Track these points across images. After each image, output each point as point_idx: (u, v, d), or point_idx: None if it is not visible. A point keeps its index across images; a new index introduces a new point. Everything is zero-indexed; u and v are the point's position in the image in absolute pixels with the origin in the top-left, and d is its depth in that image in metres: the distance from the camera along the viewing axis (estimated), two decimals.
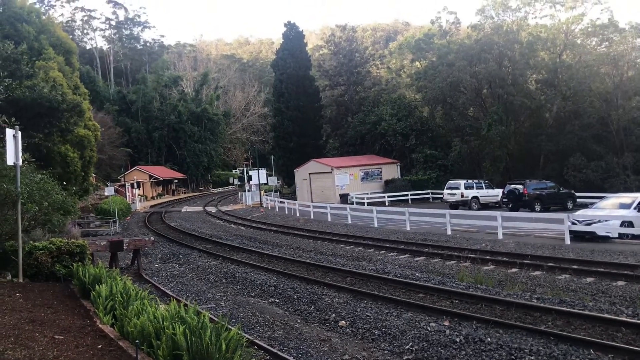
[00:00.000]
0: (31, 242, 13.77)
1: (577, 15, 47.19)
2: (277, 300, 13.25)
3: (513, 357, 8.00)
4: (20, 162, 12.57)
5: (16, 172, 12.53)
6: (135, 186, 59.45)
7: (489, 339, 8.78)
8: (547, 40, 47.71)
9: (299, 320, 11.33)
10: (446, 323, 9.89)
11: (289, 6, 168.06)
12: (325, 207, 35.40)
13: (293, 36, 61.88)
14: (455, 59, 48.93)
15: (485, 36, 49.31)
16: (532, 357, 7.86)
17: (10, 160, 12.29)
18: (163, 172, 73.79)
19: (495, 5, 50.58)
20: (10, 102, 19.72)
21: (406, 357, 8.60)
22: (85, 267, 11.66)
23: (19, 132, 12.58)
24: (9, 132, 12.35)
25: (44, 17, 35.71)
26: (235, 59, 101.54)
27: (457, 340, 8.97)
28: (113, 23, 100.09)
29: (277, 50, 65.89)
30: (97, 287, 9.80)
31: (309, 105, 60.12)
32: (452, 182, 38.40)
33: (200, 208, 51.43)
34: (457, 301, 11.48)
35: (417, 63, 59.86)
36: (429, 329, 9.72)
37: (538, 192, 31.88)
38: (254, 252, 20.91)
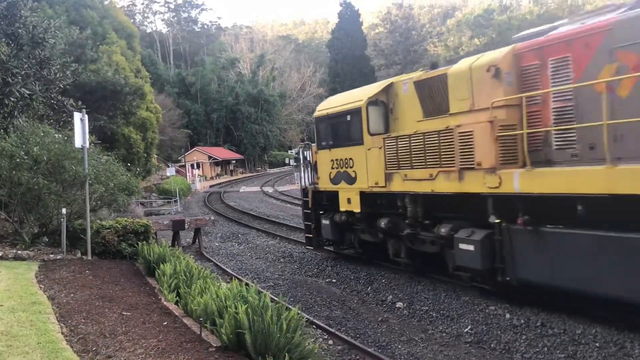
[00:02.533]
0: (98, 221, 14.34)
1: None
2: (334, 280, 13.36)
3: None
4: (87, 145, 13.05)
5: (84, 154, 13.01)
6: (195, 166, 60.80)
7: None
8: None
9: (355, 300, 11.39)
10: None
11: None
12: None
13: (348, 15, 61.39)
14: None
15: (548, 11, 47.52)
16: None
17: (78, 143, 12.77)
18: (221, 152, 75.15)
19: None
20: (76, 86, 20.45)
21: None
22: (150, 246, 12.08)
23: (86, 116, 13.05)
24: (77, 116, 12.82)
25: (106, 2, 36.69)
26: (291, 40, 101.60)
27: None
28: (172, 6, 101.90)
29: (332, 30, 65.63)
30: (161, 265, 10.14)
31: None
32: None
33: (257, 188, 52.17)
34: None
35: (476, 40, 58.40)
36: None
37: None
38: None
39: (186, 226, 18.05)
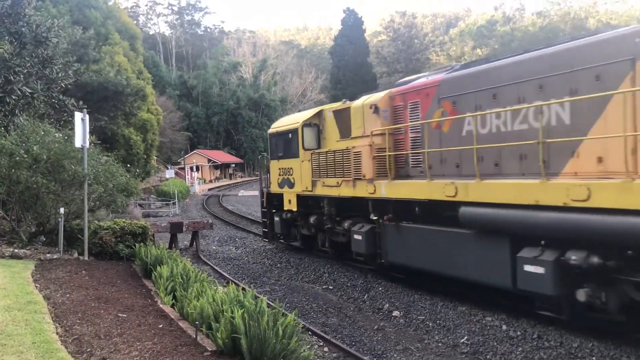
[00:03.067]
0: (96, 221, 14.31)
1: None
2: (330, 287, 13.33)
3: None
4: (87, 145, 13.05)
5: (83, 154, 13.00)
6: (195, 169, 60.77)
7: None
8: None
9: (352, 308, 11.36)
10: None
11: None
12: None
13: (352, 23, 61.56)
14: (519, 46, 47.54)
15: (551, 23, 47.76)
16: None
17: (78, 143, 12.76)
18: (221, 156, 75.13)
19: None
20: (78, 85, 20.47)
21: None
22: (147, 248, 12.05)
23: (87, 116, 13.05)
24: (78, 116, 12.82)
25: (110, 3, 36.77)
26: (293, 45, 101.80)
27: None
28: (175, 9, 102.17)
29: (335, 36, 65.78)
30: (158, 267, 10.11)
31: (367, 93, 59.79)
32: None
33: (256, 192, 52.02)
34: None
35: (479, 50, 58.56)
36: None
37: None
38: None
39: (184, 229, 18.03)
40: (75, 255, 12.93)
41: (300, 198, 16.06)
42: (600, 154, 7.92)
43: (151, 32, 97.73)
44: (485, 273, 9.42)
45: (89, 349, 6.28)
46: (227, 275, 14.61)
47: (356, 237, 13.02)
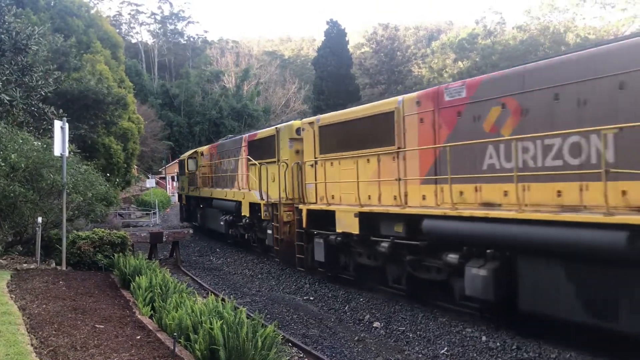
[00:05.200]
0: (75, 231, 14.15)
1: (629, 18, 45.87)
2: (311, 298, 13.28)
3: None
4: (66, 153, 12.91)
5: (62, 162, 12.86)
6: (176, 179, 60.32)
7: None
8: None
9: (333, 319, 11.33)
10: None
11: (331, 4, 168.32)
12: None
13: (335, 34, 61.81)
14: (499, 59, 48.16)
15: (531, 37, 48.42)
16: None
17: (57, 151, 12.64)
18: None
19: (542, 5, 49.58)
20: (58, 93, 20.24)
21: None
22: (126, 258, 11.93)
23: (66, 124, 12.93)
24: (57, 124, 12.70)
25: (92, 11, 36.48)
26: (277, 56, 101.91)
27: None
28: (158, 18, 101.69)
29: (318, 47, 65.99)
30: (137, 278, 10.01)
31: (349, 104, 60.00)
32: None
33: None
34: None
35: (460, 63, 59.15)
36: None
37: None
38: None
39: (164, 239, 17.88)
40: (53, 265, 12.76)
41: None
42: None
43: (133, 41, 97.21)
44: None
45: None
46: (206, 286, 14.50)
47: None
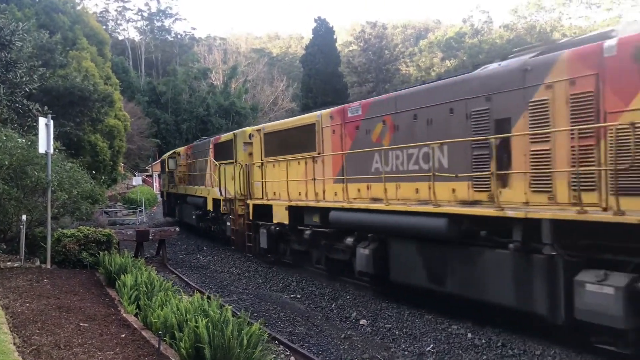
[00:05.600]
0: (60, 229, 14.03)
1: (614, 17, 46.26)
2: (298, 296, 13.29)
3: None
4: (51, 151, 12.80)
5: (47, 160, 12.75)
6: (158, 177, 60.01)
7: None
8: None
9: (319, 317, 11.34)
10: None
11: (319, 2, 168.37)
12: None
13: (323, 32, 61.72)
14: (486, 58, 48.32)
15: (518, 36, 48.69)
16: None
17: (42, 149, 12.52)
18: None
19: (528, 5, 49.85)
20: (43, 90, 20.04)
21: None
22: (112, 256, 11.86)
23: (51, 121, 12.81)
24: (42, 121, 12.58)
25: (78, 8, 36.21)
26: (265, 53, 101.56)
27: None
28: (145, 14, 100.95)
29: (306, 45, 65.86)
30: (122, 276, 9.94)
31: (337, 102, 59.89)
32: None
33: None
34: None
35: (448, 62, 59.31)
36: None
37: None
38: None
39: (150, 237, 17.77)
40: (37, 263, 12.65)
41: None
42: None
43: (120, 38, 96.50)
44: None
45: None
46: (192, 284, 14.45)
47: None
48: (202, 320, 6.43)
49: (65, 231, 13.62)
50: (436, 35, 68.86)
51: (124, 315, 8.39)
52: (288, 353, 8.84)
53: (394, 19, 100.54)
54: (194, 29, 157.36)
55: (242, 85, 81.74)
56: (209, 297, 7.96)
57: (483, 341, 8.90)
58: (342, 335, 9.94)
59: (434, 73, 61.91)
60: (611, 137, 7.23)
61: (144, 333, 7.35)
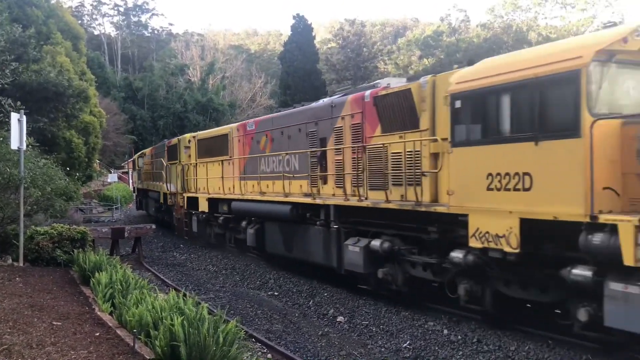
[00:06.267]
0: (33, 226, 13.79)
1: (588, 18, 46.91)
2: (276, 293, 13.26)
3: None
4: (24, 147, 12.57)
5: (20, 156, 12.53)
6: (130, 174, 59.38)
7: None
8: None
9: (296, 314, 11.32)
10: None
11: None
12: None
13: (301, 29, 61.58)
14: (463, 57, 48.67)
15: (495, 35, 49.11)
16: None
17: (14, 145, 12.30)
18: None
19: (505, 4, 50.31)
20: (16, 85, 19.64)
21: None
22: (86, 254, 11.70)
23: (24, 117, 12.57)
24: (14, 116, 12.35)
25: (53, 2, 35.54)
26: (243, 50, 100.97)
27: None
28: (122, 9, 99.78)
29: (285, 42, 65.66)
30: (97, 274, 9.82)
31: (315, 100, 59.92)
32: None
33: None
34: None
35: (425, 60, 59.60)
36: None
37: None
38: None
39: (126, 235, 17.59)
40: (10, 261, 12.43)
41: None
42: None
43: (96, 33, 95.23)
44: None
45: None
46: (168, 282, 14.34)
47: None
48: (177, 318, 6.37)
49: (38, 229, 13.39)
50: (414, 34, 69.23)
51: (99, 313, 8.28)
52: (265, 350, 8.82)
53: (373, 17, 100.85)
54: (171, 24, 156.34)
55: (220, 81, 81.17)
56: (184, 295, 7.90)
57: (459, 337, 8.98)
58: (320, 333, 9.95)
59: (412, 71, 62.18)
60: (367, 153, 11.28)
61: (118, 331, 7.26)
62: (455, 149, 8.73)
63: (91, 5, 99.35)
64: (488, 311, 9.02)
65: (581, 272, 6.99)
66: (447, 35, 57.55)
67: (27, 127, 12.99)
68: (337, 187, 12.40)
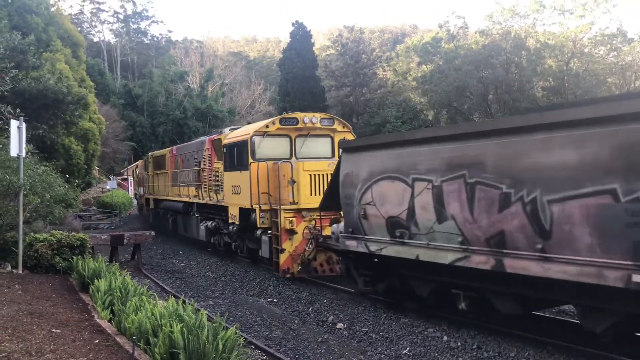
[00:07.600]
0: (32, 233, 13.78)
1: (586, 24, 46.93)
2: (275, 300, 13.24)
3: None
4: (23, 154, 12.57)
5: (19, 163, 12.53)
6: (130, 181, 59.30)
7: None
8: (555, 47, 47.43)
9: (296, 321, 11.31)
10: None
11: (297, 5, 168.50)
12: None
13: (300, 36, 61.75)
14: (462, 63, 48.80)
15: (493, 42, 49.11)
16: None
17: (13, 152, 12.30)
18: None
19: (503, 11, 50.40)
20: (15, 93, 19.66)
21: None
22: (85, 261, 11.68)
23: (24, 124, 12.58)
24: (14, 124, 12.36)
25: (52, 9, 35.61)
26: (242, 57, 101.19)
27: None
28: (121, 17, 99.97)
29: (284, 49, 65.82)
30: (96, 281, 9.81)
31: (314, 106, 59.77)
32: None
33: None
34: None
35: (424, 66, 59.68)
36: None
37: None
38: None
39: (125, 241, 17.58)
40: (9, 268, 12.41)
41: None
42: None
43: (95, 40, 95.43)
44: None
45: None
46: (168, 289, 14.31)
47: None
48: (177, 325, 6.37)
49: (37, 235, 13.38)
50: (413, 40, 69.31)
51: (98, 320, 8.27)
52: (265, 357, 8.80)
53: (372, 24, 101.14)
54: (170, 31, 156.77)
55: (219, 88, 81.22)
56: (184, 302, 7.89)
57: (459, 344, 8.97)
58: (319, 339, 9.93)
59: (411, 77, 62.34)
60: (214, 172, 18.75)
61: (118, 339, 7.25)
62: (225, 172, 16.92)
63: (91, 12, 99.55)
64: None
65: (259, 232, 15.13)
66: (445, 41, 57.62)
67: (26, 134, 12.99)
68: (203, 192, 19.84)
